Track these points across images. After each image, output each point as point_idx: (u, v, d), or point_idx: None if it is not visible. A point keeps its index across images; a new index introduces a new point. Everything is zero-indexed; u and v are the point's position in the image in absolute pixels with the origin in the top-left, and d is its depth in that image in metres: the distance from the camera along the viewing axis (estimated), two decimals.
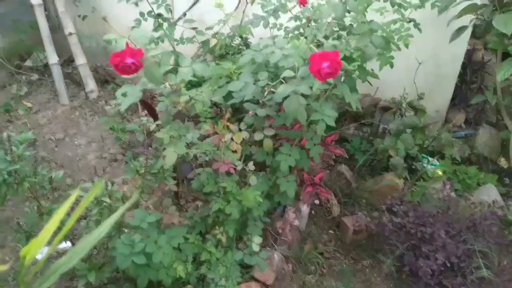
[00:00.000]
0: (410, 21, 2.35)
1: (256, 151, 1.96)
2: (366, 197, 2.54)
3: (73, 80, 3.73)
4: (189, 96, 1.60)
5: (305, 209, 2.26)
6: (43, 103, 3.51)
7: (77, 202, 0.74)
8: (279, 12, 2.16)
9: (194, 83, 2.43)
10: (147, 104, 2.09)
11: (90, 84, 3.55)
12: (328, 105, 1.76)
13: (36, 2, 3.32)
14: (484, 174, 2.53)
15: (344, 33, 2.15)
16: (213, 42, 2.27)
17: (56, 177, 1.77)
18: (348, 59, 1.89)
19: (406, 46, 2.14)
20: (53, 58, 3.41)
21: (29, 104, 3.45)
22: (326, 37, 2.03)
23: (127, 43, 1.28)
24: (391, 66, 2.27)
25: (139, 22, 2.43)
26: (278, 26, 2.41)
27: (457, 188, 2.47)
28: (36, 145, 3.03)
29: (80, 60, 3.51)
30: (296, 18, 2.16)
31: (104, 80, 3.74)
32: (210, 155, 1.71)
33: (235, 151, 1.79)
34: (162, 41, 2.49)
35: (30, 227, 1.63)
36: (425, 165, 2.51)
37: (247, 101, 1.82)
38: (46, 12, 3.64)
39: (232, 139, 1.78)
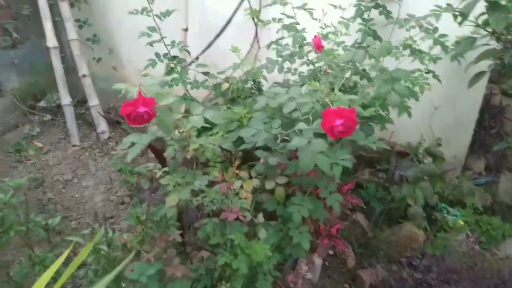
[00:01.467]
0: (428, 72, 2.30)
1: (267, 198, 1.87)
2: (383, 248, 2.39)
3: (85, 121, 3.73)
4: (199, 144, 1.54)
5: (318, 261, 2.13)
6: (54, 143, 3.50)
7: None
8: (296, 57, 2.13)
9: (204, 127, 2.39)
10: (155, 149, 2.03)
11: (102, 125, 3.54)
12: (344, 152, 1.68)
13: (52, 45, 3.38)
14: (509, 225, 2.39)
15: (362, 81, 2.11)
16: (225, 86, 2.23)
17: (53, 223, 1.69)
18: (366, 106, 1.83)
19: (422, 92, 2.09)
20: (65, 99, 3.43)
21: (39, 144, 3.44)
22: (343, 86, 1.98)
23: (139, 92, 1.23)
24: (409, 115, 2.20)
25: (154, 63, 2.43)
26: (292, 70, 2.39)
27: (481, 239, 2.32)
28: (44, 186, 2.98)
29: (93, 101, 3.52)
30: (310, 63, 2.12)
31: (116, 121, 3.73)
32: (218, 204, 1.62)
33: (244, 199, 1.70)
34: (177, 85, 2.48)
35: (21, 277, 1.53)
36: (445, 215, 2.37)
37: (258, 147, 1.75)
38: (62, 55, 3.71)
39: (241, 186, 1.70)
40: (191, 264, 1.82)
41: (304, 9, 2.15)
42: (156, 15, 2.36)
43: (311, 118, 1.55)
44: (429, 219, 2.37)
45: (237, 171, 1.68)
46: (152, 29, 2.38)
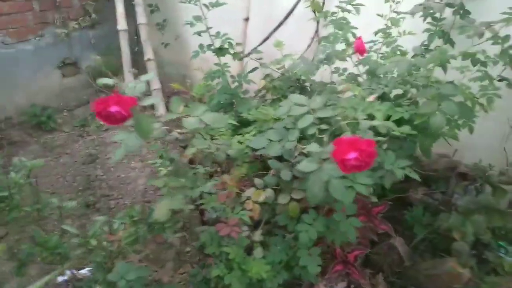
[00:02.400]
0: (501, 80, 1.95)
1: (280, 211, 1.72)
2: (421, 280, 2.11)
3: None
4: (197, 148, 1.44)
5: (341, 285, 1.93)
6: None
7: None
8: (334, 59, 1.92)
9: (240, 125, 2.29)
10: None
11: (161, 109, 3.62)
12: (363, 173, 1.46)
13: (121, 27, 3.51)
14: None
15: (411, 89, 1.84)
16: (261, 83, 2.10)
17: (66, 207, 1.72)
18: (408, 122, 1.59)
19: (489, 104, 1.76)
20: (129, 79, 3.56)
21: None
22: (385, 95, 1.74)
23: (115, 90, 1.17)
24: (471, 131, 1.89)
25: (196, 54, 2.39)
26: (341, 71, 2.17)
27: None
28: (96, 163, 3.14)
29: (155, 85, 3.61)
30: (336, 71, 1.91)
31: None
32: (220, 212, 1.52)
33: (250, 210, 1.58)
34: (218, 78, 2.42)
35: (24, 256, 1.58)
36: (501, 255, 2.01)
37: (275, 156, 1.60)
38: (135, 37, 3.86)
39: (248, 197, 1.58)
40: (192, 268, 1.76)
41: (352, 4, 1.91)
42: (213, 4, 2.31)
43: (326, 138, 1.36)
44: (480, 258, 2.02)
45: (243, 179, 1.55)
46: (197, 18, 2.33)
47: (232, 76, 2.42)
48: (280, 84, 2.12)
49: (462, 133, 1.86)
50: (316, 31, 2.94)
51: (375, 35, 2.05)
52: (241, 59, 2.84)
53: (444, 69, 1.55)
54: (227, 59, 2.41)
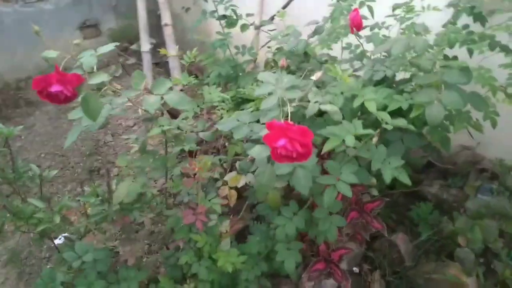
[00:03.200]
0: None
1: (261, 199, 1.59)
2: (420, 284, 1.94)
3: (165, 70, 3.77)
4: (162, 129, 1.32)
5: (328, 282, 1.80)
6: (130, 87, 3.60)
7: None
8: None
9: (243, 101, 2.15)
10: (172, 114, 1.89)
11: (176, 76, 3.52)
12: (349, 168, 1.30)
13: None
14: None
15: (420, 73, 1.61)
16: (264, 57, 1.94)
17: (47, 176, 1.68)
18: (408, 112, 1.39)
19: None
20: (145, 46, 3.47)
21: (118, 86, 3.57)
22: (386, 79, 1.53)
23: (57, 66, 1.06)
24: (493, 125, 1.66)
25: (198, 21, 2.24)
26: (352, 47, 1.96)
27: None
28: (107, 128, 3.12)
29: (171, 51, 3.50)
30: (348, 47, 1.69)
31: (193, 74, 3.68)
32: (192, 196, 1.42)
33: (225, 197, 1.46)
34: (220, 47, 2.27)
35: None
36: None
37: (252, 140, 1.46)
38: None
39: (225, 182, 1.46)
40: (167, 250, 1.69)
41: None
42: None
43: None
44: (488, 267, 1.82)
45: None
46: None
47: (236, 47, 2.26)
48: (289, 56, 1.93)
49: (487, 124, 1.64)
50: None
51: (393, 10, 1.80)
52: (256, 28, 2.65)
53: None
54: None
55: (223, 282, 1.61)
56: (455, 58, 1.64)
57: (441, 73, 1.28)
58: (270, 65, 1.96)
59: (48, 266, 1.98)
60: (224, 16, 2.23)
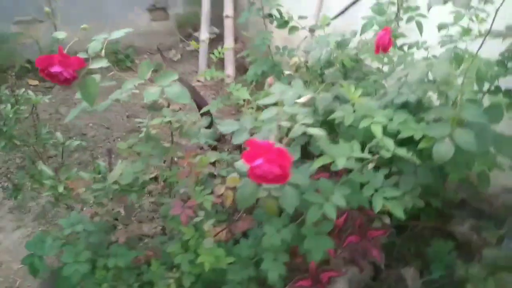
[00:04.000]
0: None
1: (261, 205, 1.58)
2: None
3: (221, 61, 3.83)
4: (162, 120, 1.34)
5: None
6: (185, 73, 3.73)
7: None
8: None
9: None
10: (198, 105, 1.93)
11: (229, 69, 3.58)
12: (342, 190, 1.24)
13: None
14: None
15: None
16: (292, 61, 1.90)
17: (71, 144, 1.79)
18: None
19: None
20: (204, 35, 3.56)
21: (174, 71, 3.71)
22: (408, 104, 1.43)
23: (60, 48, 1.11)
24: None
25: (242, 18, 2.26)
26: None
27: None
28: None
29: (228, 44, 3.56)
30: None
31: (246, 69, 3.71)
32: (187, 189, 1.45)
33: (220, 196, 1.46)
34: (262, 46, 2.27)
35: (20, 179, 1.68)
36: None
37: None
38: None
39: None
40: (164, 235, 1.74)
41: None
42: None
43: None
44: None
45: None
46: None
47: (277, 47, 2.25)
48: (315, 65, 1.88)
49: None
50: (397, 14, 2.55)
51: (439, 30, 1.68)
52: (310, 32, 2.60)
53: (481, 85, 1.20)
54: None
55: (210, 279, 1.63)
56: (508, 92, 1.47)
57: (461, 108, 1.17)
58: (301, 69, 1.92)
59: None
60: (270, 15, 2.22)
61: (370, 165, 1.20)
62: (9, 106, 1.57)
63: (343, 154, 1.16)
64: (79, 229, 1.39)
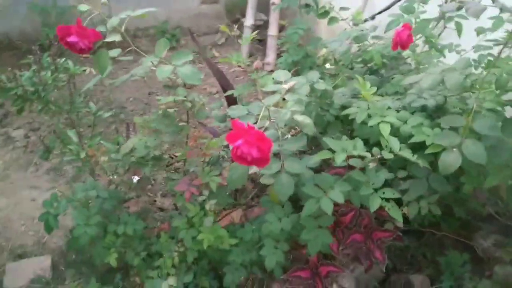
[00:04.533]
0: None
1: (268, 192, 1.60)
2: None
3: (265, 47, 3.84)
4: (174, 98, 1.38)
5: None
6: (225, 55, 3.79)
7: None
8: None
9: None
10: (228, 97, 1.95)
11: (270, 56, 3.58)
12: (342, 186, 1.23)
13: None
14: None
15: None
16: (321, 52, 1.88)
17: (103, 115, 1.87)
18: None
19: None
20: (249, 21, 3.58)
21: (216, 54, 3.78)
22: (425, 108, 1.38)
23: (79, 19, 1.17)
24: None
25: (277, 6, 2.26)
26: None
27: None
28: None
29: (272, 30, 3.56)
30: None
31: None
32: (196, 168, 1.49)
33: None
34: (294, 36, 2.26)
35: (51, 143, 1.79)
36: None
37: None
38: None
39: None
40: (176, 210, 1.80)
41: None
42: None
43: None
44: None
45: None
46: None
47: (314, 38, 2.23)
48: (344, 59, 1.84)
49: None
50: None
51: (478, 34, 1.59)
52: (355, 25, 2.55)
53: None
54: None
55: (215, 258, 1.68)
56: None
57: (472, 119, 1.12)
58: (329, 61, 1.89)
59: None
60: (307, 5, 2.20)
61: (372, 164, 1.17)
62: (49, 73, 1.68)
63: (344, 150, 1.15)
64: (93, 194, 1.48)
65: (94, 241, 1.60)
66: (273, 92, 1.23)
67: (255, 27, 4.07)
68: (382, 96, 1.66)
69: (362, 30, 1.57)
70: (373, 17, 2.81)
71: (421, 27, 1.44)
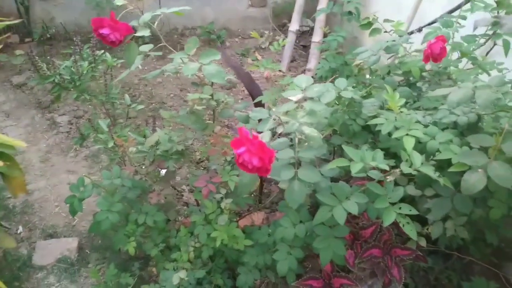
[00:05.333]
0: None
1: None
2: None
3: (306, 54, 3.82)
4: (200, 96, 1.40)
5: None
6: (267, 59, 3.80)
7: None
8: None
9: None
10: (251, 95, 1.97)
11: (312, 63, 3.55)
12: (358, 197, 1.20)
13: None
14: None
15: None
16: (356, 62, 1.84)
17: (135, 107, 1.94)
18: None
19: None
20: (293, 26, 3.58)
21: (259, 57, 3.79)
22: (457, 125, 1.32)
23: (112, 13, 1.21)
24: None
25: (320, 12, 2.24)
26: None
27: None
28: (230, 90, 3.38)
29: (316, 37, 3.53)
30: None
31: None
32: (217, 166, 1.51)
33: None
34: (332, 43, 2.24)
35: (85, 130, 1.88)
36: None
37: None
38: None
39: None
40: (197, 205, 1.83)
41: None
42: None
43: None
44: None
45: None
46: None
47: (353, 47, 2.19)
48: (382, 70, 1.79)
49: None
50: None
51: None
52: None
53: None
54: None
55: (230, 257, 1.69)
56: None
57: (503, 139, 1.05)
58: (363, 70, 1.85)
59: None
60: (349, 13, 2.17)
61: (390, 178, 1.14)
62: (86, 63, 1.76)
63: (361, 161, 1.12)
64: (117, 182, 1.54)
65: (115, 228, 1.66)
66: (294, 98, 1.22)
67: (300, 33, 4.08)
68: (419, 109, 1.61)
69: (394, 41, 1.52)
70: (420, 30, 2.71)
71: (457, 44, 1.38)
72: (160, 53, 1.43)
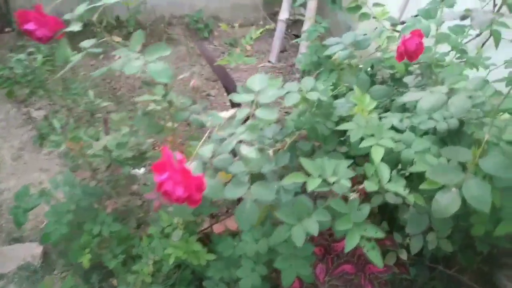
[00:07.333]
0: None
1: None
2: None
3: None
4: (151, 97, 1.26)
5: None
6: (260, 51, 3.63)
7: None
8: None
9: None
10: (226, 87, 1.83)
11: (302, 52, 3.38)
12: (320, 215, 1.05)
13: None
14: None
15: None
16: (334, 56, 1.68)
17: (99, 105, 1.80)
18: None
19: None
20: (283, 15, 3.40)
21: (248, 47, 3.62)
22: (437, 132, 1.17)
23: (38, 6, 1.06)
24: None
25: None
26: None
27: None
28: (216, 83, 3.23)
29: (306, 27, 3.35)
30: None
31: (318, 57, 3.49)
32: None
33: None
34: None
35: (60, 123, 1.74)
36: None
37: None
38: None
39: None
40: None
41: None
42: None
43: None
44: None
45: None
46: None
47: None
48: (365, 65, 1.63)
49: None
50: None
51: None
52: (392, 25, 2.32)
53: None
54: None
55: (196, 269, 1.57)
56: None
57: (481, 154, 0.90)
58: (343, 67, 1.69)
59: None
60: (333, 2, 2.00)
61: (353, 195, 0.99)
62: (40, 56, 1.62)
63: (318, 175, 0.97)
64: (65, 190, 1.41)
65: (70, 238, 1.54)
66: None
67: (292, 22, 3.90)
68: (400, 109, 1.46)
69: (365, 34, 1.36)
70: (403, 22, 2.54)
71: (443, 36, 1.22)
72: (100, 50, 1.28)
